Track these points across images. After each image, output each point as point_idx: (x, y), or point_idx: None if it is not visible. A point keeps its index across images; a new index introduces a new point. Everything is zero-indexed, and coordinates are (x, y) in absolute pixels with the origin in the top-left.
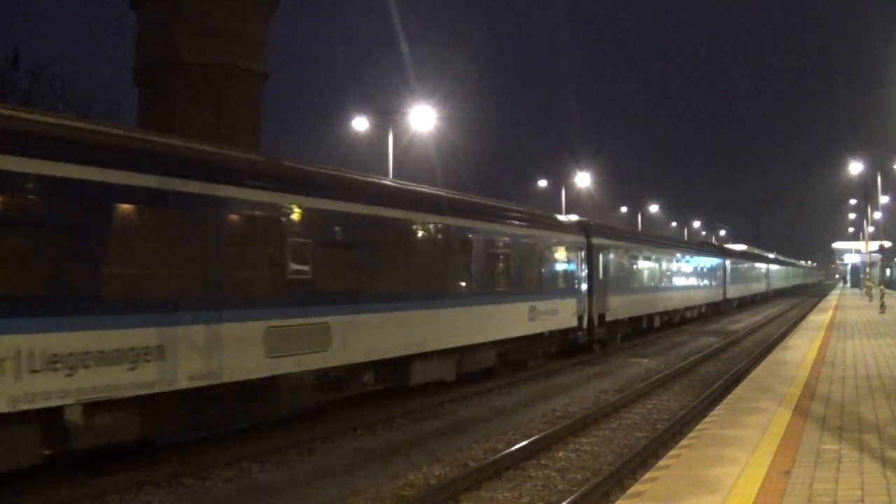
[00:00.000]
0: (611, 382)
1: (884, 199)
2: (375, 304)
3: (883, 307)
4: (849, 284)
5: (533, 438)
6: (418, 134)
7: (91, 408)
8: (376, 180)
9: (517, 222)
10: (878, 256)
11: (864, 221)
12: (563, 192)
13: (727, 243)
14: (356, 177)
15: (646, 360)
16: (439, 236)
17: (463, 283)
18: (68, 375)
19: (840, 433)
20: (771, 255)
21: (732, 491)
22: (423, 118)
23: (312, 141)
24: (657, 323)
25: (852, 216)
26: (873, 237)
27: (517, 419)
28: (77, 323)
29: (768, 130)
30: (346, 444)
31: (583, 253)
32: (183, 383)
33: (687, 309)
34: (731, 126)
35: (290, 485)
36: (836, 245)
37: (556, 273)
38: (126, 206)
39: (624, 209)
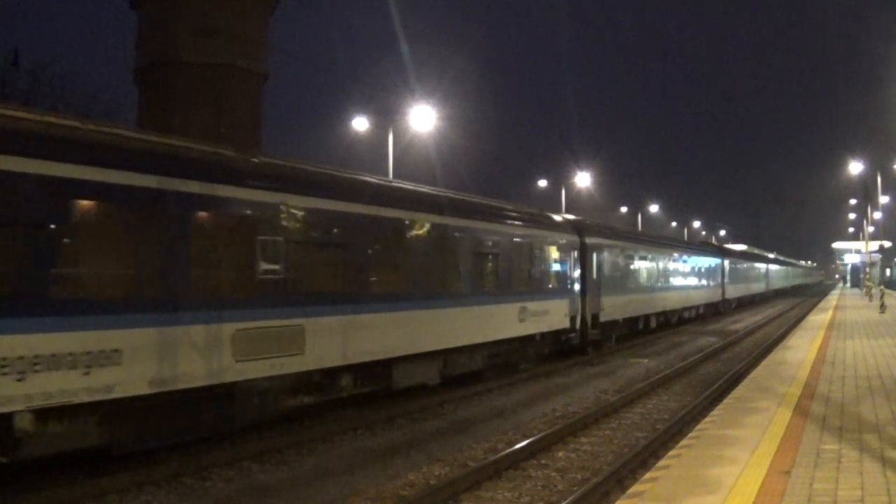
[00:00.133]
0: (611, 382)
1: (884, 199)
2: (354, 306)
3: (883, 307)
4: (849, 284)
5: (533, 438)
6: (418, 134)
7: (43, 414)
8: (355, 176)
9: (506, 220)
10: (878, 256)
11: (864, 221)
12: (563, 192)
13: (727, 243)
14: (332, 172)
15: (646, 360)
16: (423, 235)
17: (448, 283)
18: (18, 380)
19: (840, 433)
20: (771, 255)
21: (732, 491)
22: (423, 118)
23: (312, 141)
24: (653, 324)
25: (852, 216)
26: (873, 237)
27: (517, 419)
28: (26, 325)
29: (768, 130)
30: (346, 444)
31: (576, 252)
32: (143, 389)
33: (685, 309)
34: (731, 126)
35: (290, 485)
36: (836, 245)
37: (547, 273)
38: (81, 203)
39: (624, 209)
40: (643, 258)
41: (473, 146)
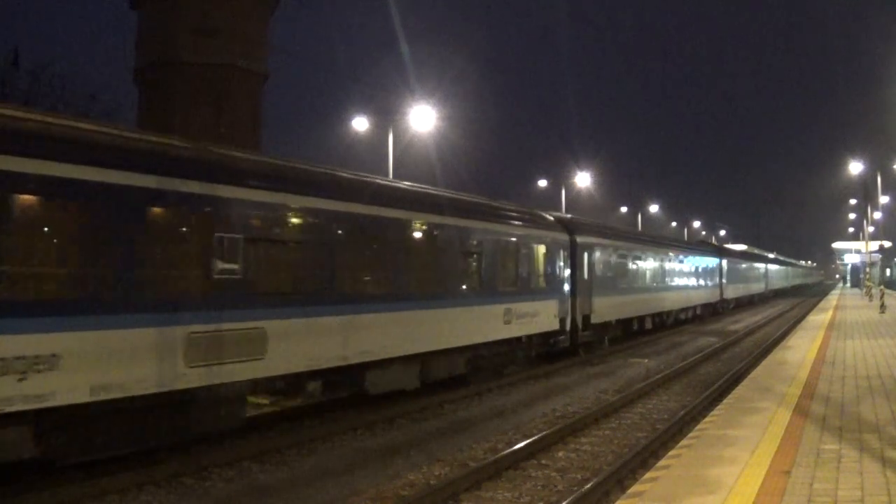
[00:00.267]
0: (611, 382)
1: (884, 199)
2: (322, 307)
3: (883, 307)
4: (849, 284)
5: (533, 438)
6: (418, 134)
7: None
8: (322, 169)
9: (490, 218)
10: (878, 256)
11: (864, 221)
12: (563, 192)
13: (727, 243)
14: (295, 165)
15: (646, 360)
16: (398, 233)
17: (427, 283)
18: None
19: (840, 433)
20: (771, 255)
21: (732, 491)
22: (423, 118)
23: (312, 141)
24: (648, 325)
25: (852, 216)
26: (873, 237)
27: (517, 419)
28: None
29: (768, 130)
30: (346, 444)
31: (566, 252)
32: (85, 396)
33: (681, 310)
34: (731, 126)
35: (290, 485)
36: (836, 245)
37: (535, 273)
38: (14, 197)
39: (624, 209)
40: (637, 258)
41: (473, 146)
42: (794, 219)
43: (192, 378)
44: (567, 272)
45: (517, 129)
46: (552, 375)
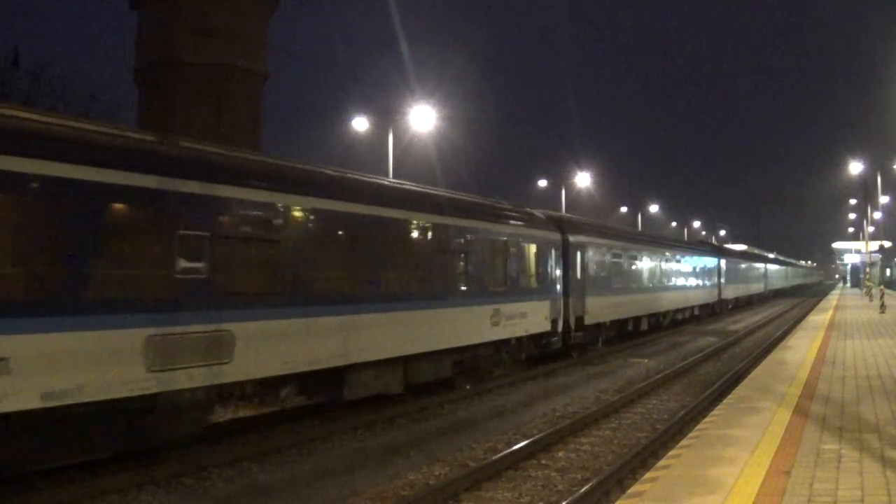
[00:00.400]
0: (611, 382)
1: (884, 199)
2: (295, 308)
3: (883, 307)
4: (849, 284)
5: (533, 438)
6: (418, 134)
7: None
8: (293, 164)
9: (477, 216)
10: (878, 256)
11: (864, 221)
12: (563, 192)
13: (727, 243)
14: (266, 159)
15: (646, 360)
16: (379, 230)
17: (409, 284)
18: None
19: (840, 433)
20: (770, 255)
21: (732, 491)
22: (423, 118)
23: (312, 141)
24: (644, 326)
25: (852, 216)
26: (873, 237)
27: (517, 419)
28: None
29: (768, 130)
30: (346, 444)
31: (558, 250)
32: (35, 402)
33: (678, 311)
34: (731, 126)
35: (290, 485)
36: (836, 245)
37: (525, 273)
38: None
39: (624, 209)
40: (633, 257)
41: (473, 146)
42: (794, 219)
43: (152, 383)
44: (559, 272)
45: (517, 129)
46: (552, 375)
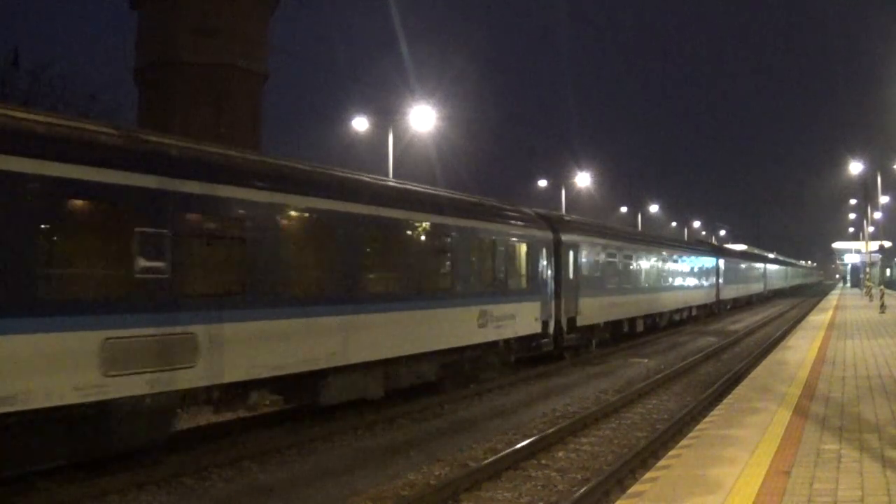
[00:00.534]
0: (611, 382)
1: (884, 199)
2: (265, 310)
3: (883, 307)
4: (849, 284)
5: (533, 438)
6: (418, 134)
7: None
8: (261, 159)
9: (464, 214)
10: (878, 256)
11: (864, 221)
12: (563, 192)
13: (727, 243)
14: (231, 153)
15: (646, 360)
16: (359, 228)
17: (390, 284)
18: None
19: (840, 433)
20: (770, 255)
21: (732, 491)
22: (423, 118)
23: (312, 141)
24: (640, 327)
25: (852, 216)
26: (873, 237)
27: (517, 419)
28: None
29: (768, 130)
30: (346, 444)
31: (549, 250)
32: None
33: (675, 311)
34: (731, 126)
35: (290, 485)
36: (836, 245)
37: (514, 272)
38: None
39: (624, 209)
40: (628, 257)
41: (473, 146)
42: (794, 219)
43: (108, 389)
44: (550, 272)
45: (517, 128)
46: (552, 375)
